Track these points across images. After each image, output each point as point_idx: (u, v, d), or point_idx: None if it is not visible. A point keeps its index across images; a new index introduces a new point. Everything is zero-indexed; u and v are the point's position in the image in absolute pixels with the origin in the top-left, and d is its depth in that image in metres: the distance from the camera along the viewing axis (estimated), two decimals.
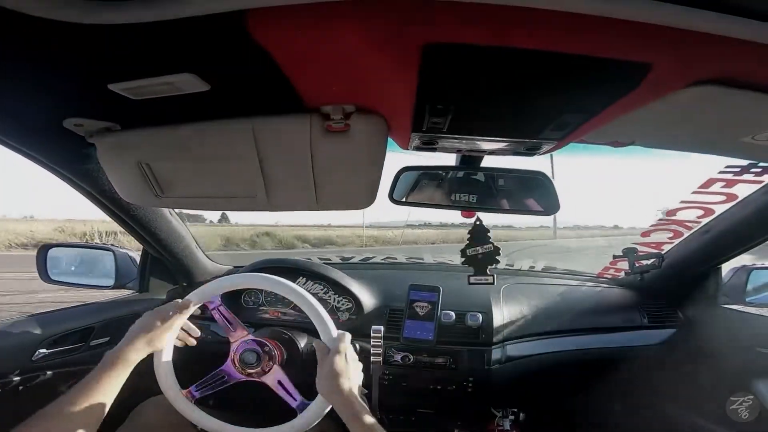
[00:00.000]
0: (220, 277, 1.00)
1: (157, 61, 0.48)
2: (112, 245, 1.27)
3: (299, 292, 0.95)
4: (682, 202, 1.39)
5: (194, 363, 1.01)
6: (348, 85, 0.55)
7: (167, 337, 0.88)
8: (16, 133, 0.73)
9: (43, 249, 1.23)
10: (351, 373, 0.84)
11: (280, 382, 0.96)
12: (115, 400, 0.91)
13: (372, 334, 1.14)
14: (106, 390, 0.75)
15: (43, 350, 1.01)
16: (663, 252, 1.37)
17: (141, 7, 0.35)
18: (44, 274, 1.22)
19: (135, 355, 0.81)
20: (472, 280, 1.01)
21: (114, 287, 1.25)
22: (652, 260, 1.36)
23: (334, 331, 0.92)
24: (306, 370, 1.09)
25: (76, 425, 0.69)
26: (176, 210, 1.27)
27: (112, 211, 1.06)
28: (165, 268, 1.36)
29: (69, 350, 1.07)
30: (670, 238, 1.39)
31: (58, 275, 1.23)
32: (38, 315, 1.08)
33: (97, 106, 0.62)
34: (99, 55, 0.46)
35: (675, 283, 1.36)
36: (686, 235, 1.34)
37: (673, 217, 1.37)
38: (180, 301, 0.92)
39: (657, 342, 1.32)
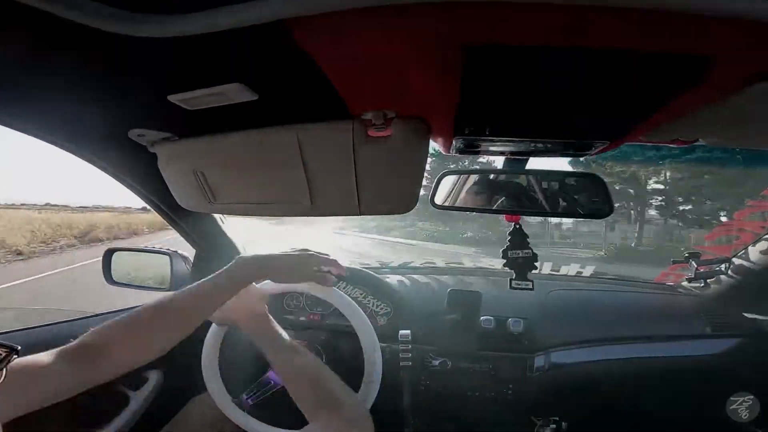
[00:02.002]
0: None
1: (209, 72, 0.50)
2: (169, 249, 1.35)
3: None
4: (751, 203, 1.27)
5: (238, 363, 1.05)
6: (390, 91, 0.55)
7: (293, 283, 0.89)
8: (87, 144, 0.79)
9: (108, 253, 1.33)
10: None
11: (269, 383, 0.97)
12: (162, 397, 0.93)
13: (400, 339, 1.13)
14: (222, 294, 0.74)
15: None
16: (731, 256, 1.26)
17: (193, 19, 0.37)
18: (108, 277, 1.32)
19: (258, 272, 0.80)
20: (514, 284, 0.98)
21: (170, 289, 1.32)
22: (717, 265, 1.26)
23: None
24: (342, 376, 1.10)
25: (175, 324, 0.68)
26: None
27: (169, 216, 1.12)
28: (215, 272, 1.42)
29: None
30: (739, 242, 1.27)
31: (120, 278, 1.33)
32: (95, 316, 1.17)
33: (157, 117, 0.66)
34: (160, 67, 0.49)
35: (743, 289, 1.25)
36: (758, 238, 1.22)
37: (744, 219, 1.25)
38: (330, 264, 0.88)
39: (721, 351, 1.21)
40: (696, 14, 0.33)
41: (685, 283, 1.40)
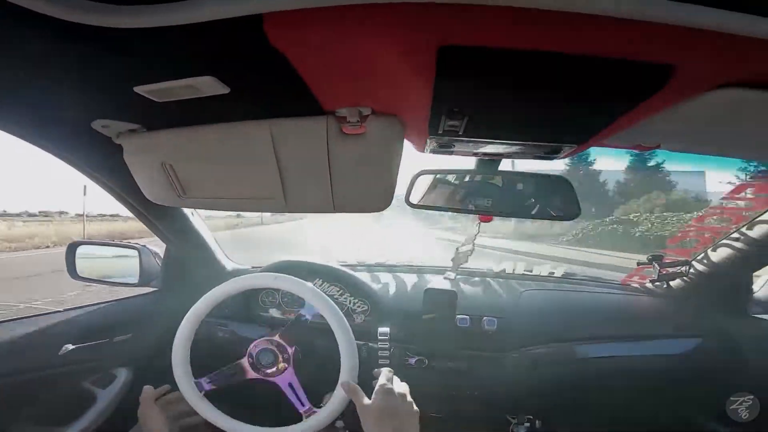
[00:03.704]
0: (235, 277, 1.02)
1: (179, 64, 0.49)
2: (138, 243, 1.31)
3: (333, 311, 0.96)
4: (711, 208, 1.33)
5: (210, 359, 1.03)
6: (364, 88, 0.56)
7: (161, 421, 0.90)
8: (48, 135, 0.76)
9: (72, 247, 1.28)
10: (404, 417, 0.74)
11: (291, 385, 0.97)
12: (131, 395, 0.92)
13: (379, 336, 1.14)
14: None
15: (70, 345, 1.05)
16: (691, 259, 1.32)
17: (163, 11, 0.36)
18: (72, 271, 1.27)
19: None
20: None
21: (139, 284, 1.29)
22: (678, 267, 1.31)
23: (356, 366, 0.91)
24: (319, 373, 1.10)
25: None
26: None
27: (137, 210, 1.09)
28: (187, 267, 1.39)
29: (93, 346, 1.10)
30: (698, 245, 1.34)
31: (85, 272, 1.28)
32: (64, 311, 1.13)
33: (123, 108, 0.64)
34: (125, 58, 0.47)
35: (703, 291, 1.31)
36: (715, 242, 1.28)
37: (702, 224, 1.31)
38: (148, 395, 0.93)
39: (682, 352, 1.27)
40: (658, 23, 0.34)
41: (649, 284, 1.46)
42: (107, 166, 0.89)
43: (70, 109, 0.65)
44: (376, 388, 0.79)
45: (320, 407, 0.94)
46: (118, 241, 1.34)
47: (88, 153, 0.85)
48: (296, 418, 0.95)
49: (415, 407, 0.78)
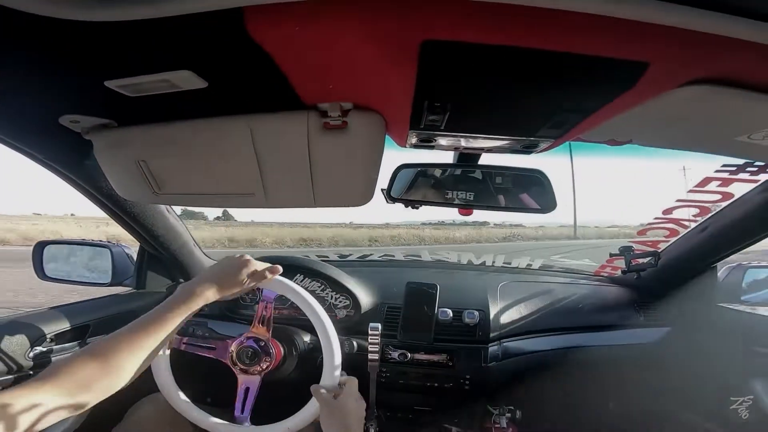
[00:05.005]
0: None
1: (154, 58, 0.48)
2: (109, 242, 1.27)
3: (324, 322, 0.95)
4: (678, 200, 1.39)
5: (190, 357, 1.01)
6: (345, 83, 0.55)
7: (236, 292, 0.85)
8: (12, 130, 0.72)
9: (39, 246, 1.22)
10: (359, 417, 0.87)
11: (247, 390, 0.97)
12: (111, 398, 0.90)
13: (370, 332, 1.14)
14: (175, 321, 0.74)
15: (39, 348, 1.00)
16: (659, 250, 1.38)
17: (138, 3, 0.35)
18: (40, 271, 1.21)
19: (207, 293, 0.79)
20: None
21: (111, 284, 1.25)
22: (648, 258, 1.37)
23: (338, 374, 0.93)
24: (301, 370, 1.09)
25: (142, 352, 0.67)
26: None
27: (109, 208, 1.05)
28: (162, 265, 1.35)
29: (65, 348, 1.06)
30: (666, 237, 1.40)
31: (53, 272, 1.23)
32: (33, 313, 1.08)
33: (93, 102, 0.62)
34: (95, 51, 0.45)
35: (671, 281, 1.37)
36: (682, 233, 1.34)
37: (669, 216, 1.37)
38: (265, 266, 0.88)
39: (653, 340, 1.33)
40: (634, 21, 0.35)
41: (620, 275, 1.52)
42: (76, 163, 0.86)
43: (36, 104, 0.62)
44: (344, 393, 0.89)
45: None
46: (88, 239, 1.28)
47: (55, 150, 0.81)
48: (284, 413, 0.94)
49: (362, 410, 0.91)
